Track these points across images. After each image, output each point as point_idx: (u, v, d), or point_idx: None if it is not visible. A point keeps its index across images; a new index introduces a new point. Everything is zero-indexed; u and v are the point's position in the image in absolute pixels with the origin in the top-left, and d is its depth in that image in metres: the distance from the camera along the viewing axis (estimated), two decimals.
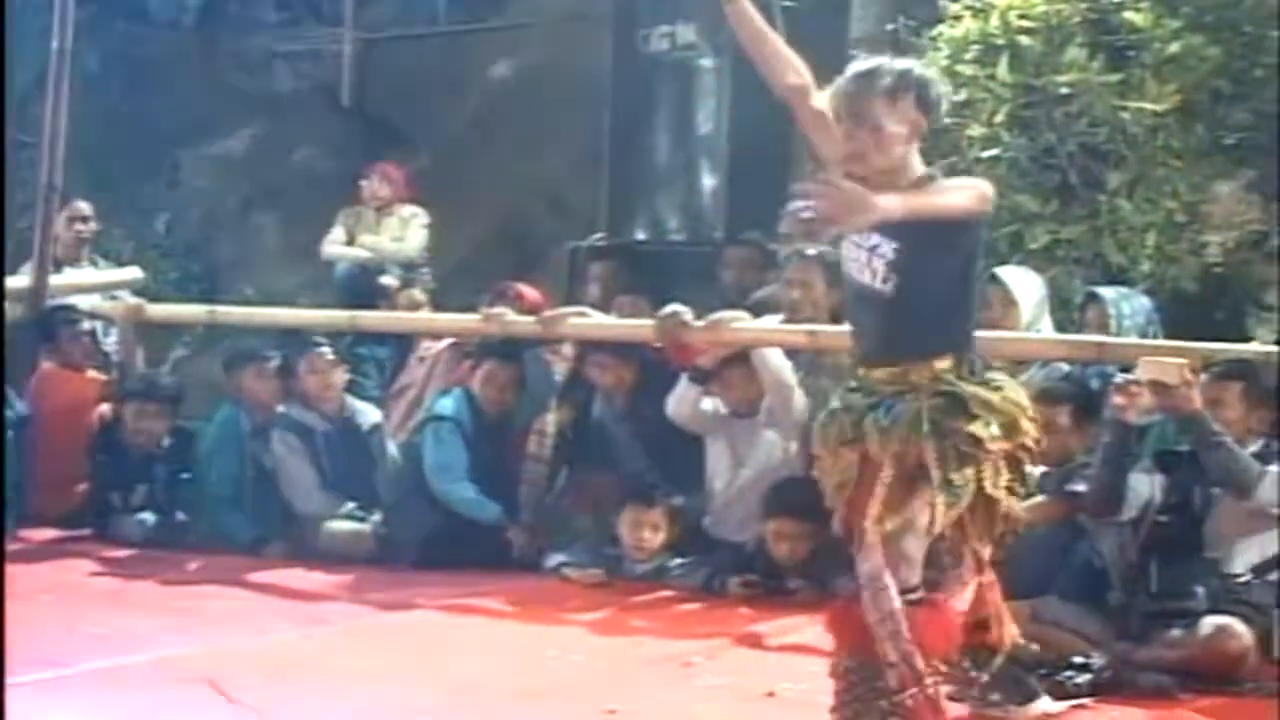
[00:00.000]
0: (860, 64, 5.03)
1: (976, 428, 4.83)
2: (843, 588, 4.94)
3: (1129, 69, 8.15)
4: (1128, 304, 7.55)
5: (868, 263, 4.95)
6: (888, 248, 4.89)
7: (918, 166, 4.99)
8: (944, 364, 4.91)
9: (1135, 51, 8.18)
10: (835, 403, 5.09)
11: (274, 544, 8.78)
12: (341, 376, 9.19)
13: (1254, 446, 6.34)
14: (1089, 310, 7.67)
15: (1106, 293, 7.63)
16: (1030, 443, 4.97)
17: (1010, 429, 4.90)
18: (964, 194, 4.85)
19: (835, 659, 4.87)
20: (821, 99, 5.15)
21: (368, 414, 9.28)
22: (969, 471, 4.83)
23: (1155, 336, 7.45)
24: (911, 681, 4.73)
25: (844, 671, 4.83)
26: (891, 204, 4.57)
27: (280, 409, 9.13)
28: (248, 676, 6.05)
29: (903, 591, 4.77)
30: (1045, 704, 5.16)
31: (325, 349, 9.11)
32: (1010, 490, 4.95)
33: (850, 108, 4.95)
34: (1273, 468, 6.23)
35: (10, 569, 6.71)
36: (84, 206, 10.84)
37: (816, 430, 5.15)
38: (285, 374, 9.21)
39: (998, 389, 4.93)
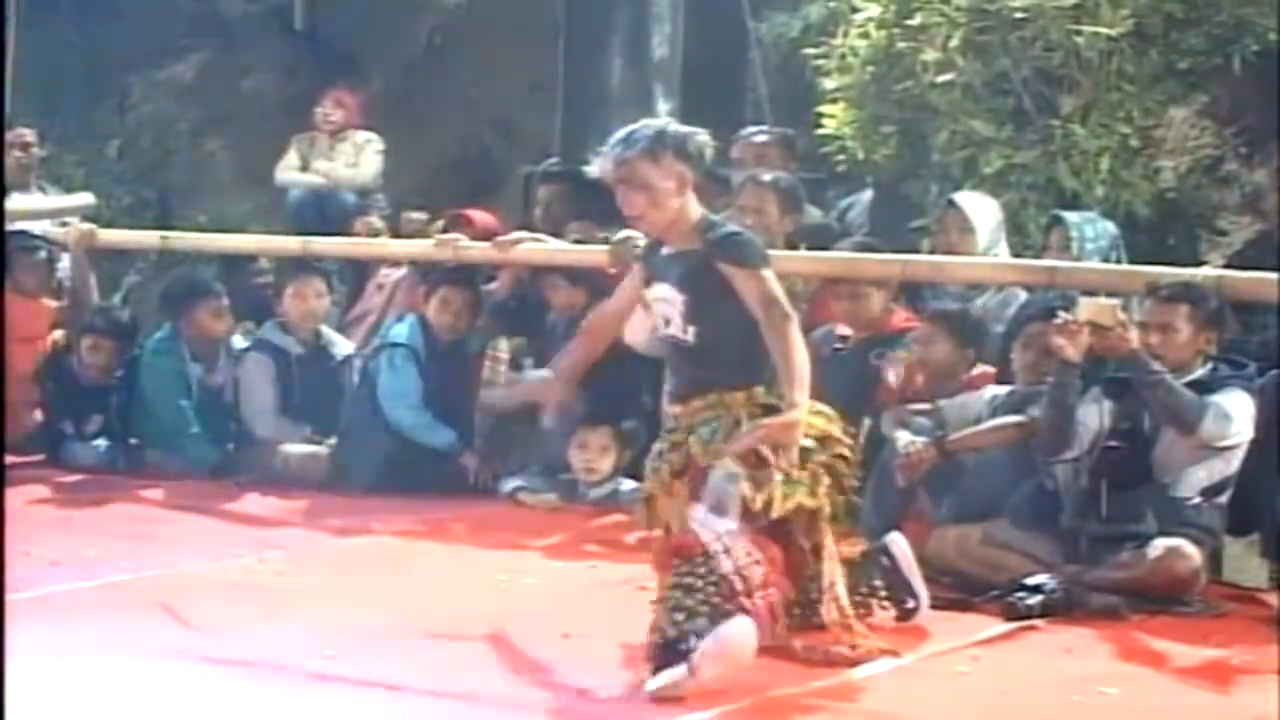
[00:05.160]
0: (620, 131, 5.42)
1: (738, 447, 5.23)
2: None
3: None
4: (1091, 228, 7.57)
5: (666, 315, 5.41)
6: (678, 299, 5.36)
7: (694, 213, 5.38)
8: (759, 389, 5.27)
9: None
10: (658, 447, 5.52)
11: (231, 468, 8.79)
12: (326, 305, 9.21)
13: (1200, 371, 6.36)
14: (1052, 233, 7.69)
15: (1070, 216, 7.65)
16: (845, 452, 5.42)
17: (823, 441, 5.33)
18: (784, 336, 5.18)
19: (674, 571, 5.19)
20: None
21: (342, 345, 9.28)
22: (803, 473, 5.26)
23: (1119, 262, 7.47)
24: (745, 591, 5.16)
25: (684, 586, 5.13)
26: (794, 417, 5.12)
27: (241, 335, 9.14)
28: (202, 601, 6.06)
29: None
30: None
31: (318, 279, 9.09)
32: (828, 495, 5.37)
33: (618, 174, 5.34)
34: (1215, 398, 6.24)
35: None
36: (26, 133, 10.74)
37: (649, 476, 5.54)
38: (275, 297, 9.22)
39: (814, 411, 5.30)
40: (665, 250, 5.49)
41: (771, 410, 5.22)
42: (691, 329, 5.36)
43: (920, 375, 7.21)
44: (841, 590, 5.48)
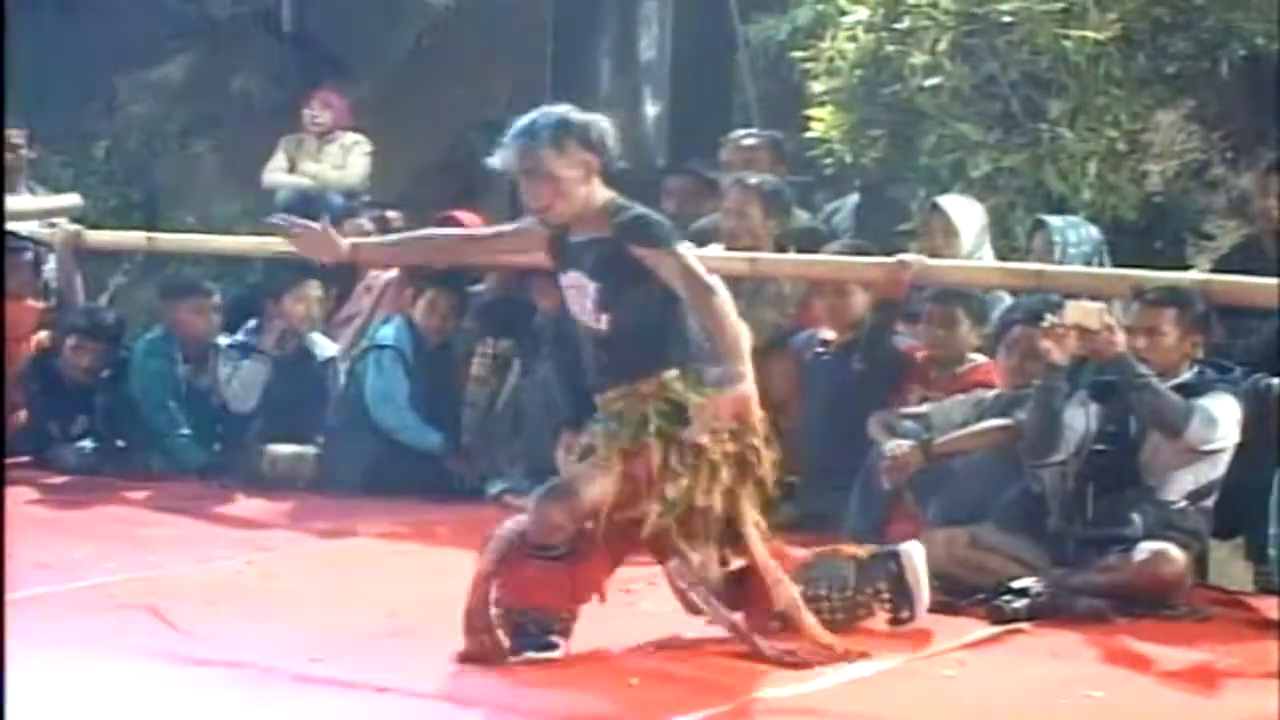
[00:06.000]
0: (519, 121, 5.35)
1: (694, 434, 5.17)
2: None
3: None
4: (1074, 232, 7.56)
5: (580, 301, 5.34)
6: (591, 287, 5.29)
7: (600, 198, 5.33)
8: (671, 374, 5.23)
9: None
10: (584, 439, 5.45)
11: (219, 469, 8.79)
12: (321, 310, 9.22)
13: (1186, 375, 6.37)
14: (1035, 238, 7.69)
15: (1053, 220, 7.65)
16: (758, 443, 5.29)
17: (735, 432, 5.23)
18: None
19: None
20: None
21: (324, 345, 9.26)
22: (684, 483, 5.19)
23: (1103, 267, 7.47)
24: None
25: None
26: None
27: (224, 337, 9.11)
28: (189, 603, 6.05)
29: (537, 548, 5.32)
30: None
31: (317, 280, 9.07)
32: (731, 492, 5.27)
33: (522, 165, 5.29)
34: (1201, 401, 6.24)
35: None
36: (14, 134, 10.71)
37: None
38: (274, 299, 9.21)
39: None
40: (574, 238, 5.42)
41: (678, 407, 5.20)
42: (604, 316, 5.31)
43: (935, 356, 7.31)
44: (790, 589, 5.45)
